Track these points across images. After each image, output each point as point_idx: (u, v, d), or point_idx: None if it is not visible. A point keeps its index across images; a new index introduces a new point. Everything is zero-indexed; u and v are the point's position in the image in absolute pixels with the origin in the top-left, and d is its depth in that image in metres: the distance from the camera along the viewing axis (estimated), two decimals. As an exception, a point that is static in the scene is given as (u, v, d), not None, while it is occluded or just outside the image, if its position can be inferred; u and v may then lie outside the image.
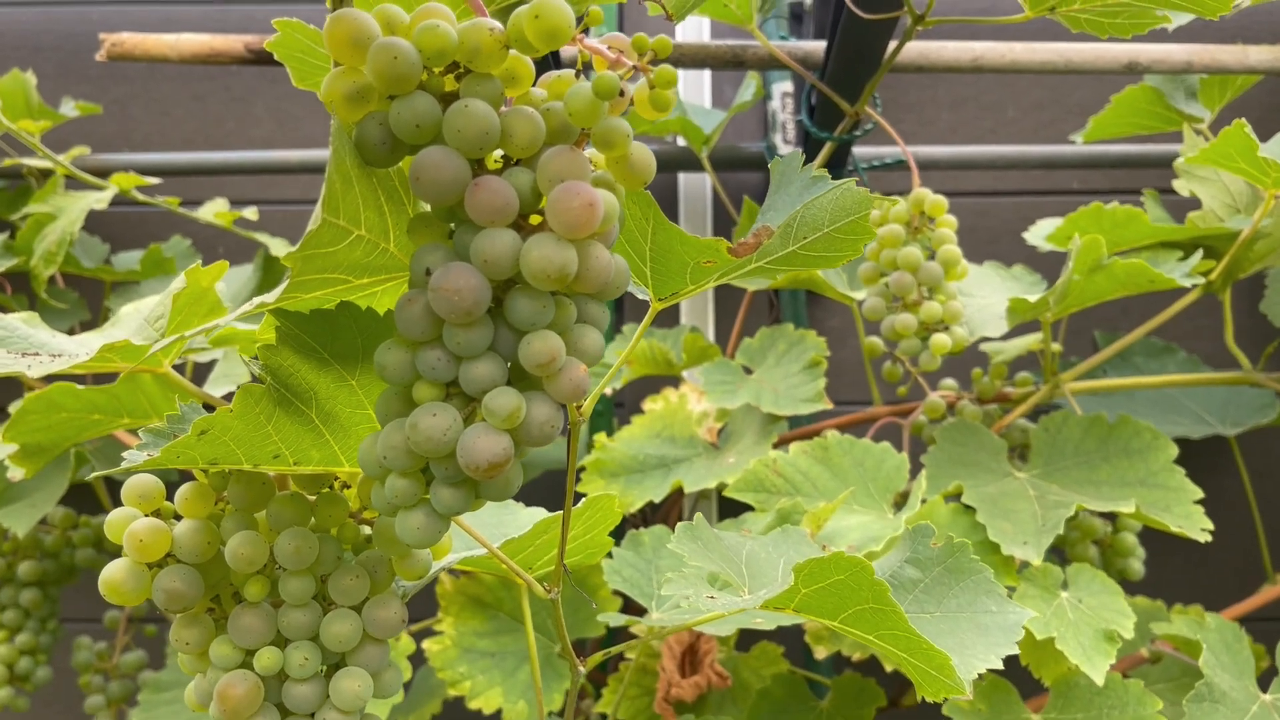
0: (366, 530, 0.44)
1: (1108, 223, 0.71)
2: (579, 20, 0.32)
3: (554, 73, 0.34)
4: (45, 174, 0.90)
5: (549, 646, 0.71)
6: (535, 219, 0.33)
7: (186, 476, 0.41)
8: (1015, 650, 0.44)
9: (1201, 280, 0.68)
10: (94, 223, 0.99)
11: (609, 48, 0.32)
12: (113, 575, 0.40)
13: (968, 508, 0.63)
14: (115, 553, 0.88)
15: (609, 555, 0.65)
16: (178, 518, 0.41)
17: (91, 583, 0.96)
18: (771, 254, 0.41)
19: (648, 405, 0.80)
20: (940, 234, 0.68)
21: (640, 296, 0.42)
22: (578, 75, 0.33)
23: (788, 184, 0.41)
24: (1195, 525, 0.62)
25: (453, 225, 0.33)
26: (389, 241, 0.34)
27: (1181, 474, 0.65)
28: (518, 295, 0.32)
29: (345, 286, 0.35)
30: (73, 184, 0.89)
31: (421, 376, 0.33)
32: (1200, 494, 0.64)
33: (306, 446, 0.38)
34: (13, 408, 0.55)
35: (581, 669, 0.49)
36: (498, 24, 0.31)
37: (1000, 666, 0.44)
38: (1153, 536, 0.98)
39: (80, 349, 0.46)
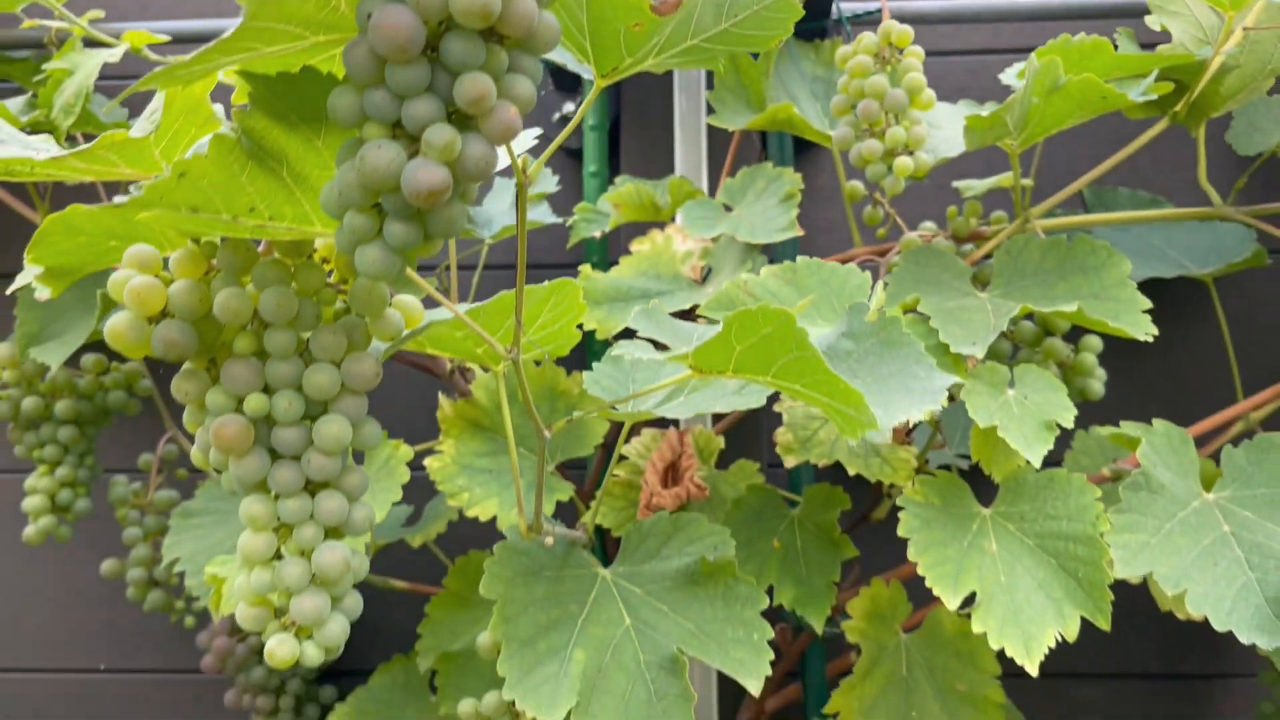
0: (344, 303, 0.49)
1: (1074, 54, 0.73)
2: None
3: None
4: (64, 42, 0.94)
5: (538, 463, 0.76)
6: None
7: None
8: (937, 407, 0.49)
9: (1158, 102, 0.70)
10: (112, 92, 1.03)
11: None
12: (116, 325, 0.45)
13: (924, 318, 0.66)
14: (144, 395, 0.94)
15: (590, 369, 0.69)
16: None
17: (125, 430, 1.03)
18: (705, 31, 0.45)
19: (634, 247, 0.84)
20: (906, 63, 0.71)
21: (586, 76, 0.46)
22: None
23: (718, -38, 0.44)
24: (1139, 328, 0.65)
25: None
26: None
27: (1133, 288, 0.68)
28: (451, 37, 0.36)
29: (301, 44, 0.39)
30: (90, 46, 0.93)
31: (369, 117, 0.37)
32: (1148, 304, 0.67)
33: (280, 203, 0.43)
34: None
35: (547, 433, 0.54)
36: None
37: (922, 418, 0.48)
38: (1134, 390, 1.01)
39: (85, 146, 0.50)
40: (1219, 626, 0.58)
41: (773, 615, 0.65)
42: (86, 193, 0.97)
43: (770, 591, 0.72)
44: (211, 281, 0.45)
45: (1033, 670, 0.59)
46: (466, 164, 0.37)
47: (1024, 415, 0.62)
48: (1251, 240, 0.90)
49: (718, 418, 0.88)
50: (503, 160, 0.44)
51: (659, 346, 0.55)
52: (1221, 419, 0.78)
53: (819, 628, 0.70)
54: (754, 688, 0.56)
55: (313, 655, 0.48)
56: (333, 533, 0.48)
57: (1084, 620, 0.62)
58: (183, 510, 0.86)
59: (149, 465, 0.97)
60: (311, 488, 0.48)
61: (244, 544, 0.47)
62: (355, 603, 0.50)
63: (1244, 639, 0.58)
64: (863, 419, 0.44)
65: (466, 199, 0.39)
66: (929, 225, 0.85)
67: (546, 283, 0.52)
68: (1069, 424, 0.62)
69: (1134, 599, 0.97)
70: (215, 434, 0.45)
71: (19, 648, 1.06)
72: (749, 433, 0.94)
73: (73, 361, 0.92)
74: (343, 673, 1.01)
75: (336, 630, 0.48)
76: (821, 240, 1.00)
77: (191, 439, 0.97)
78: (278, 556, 0.48)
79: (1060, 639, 0.61)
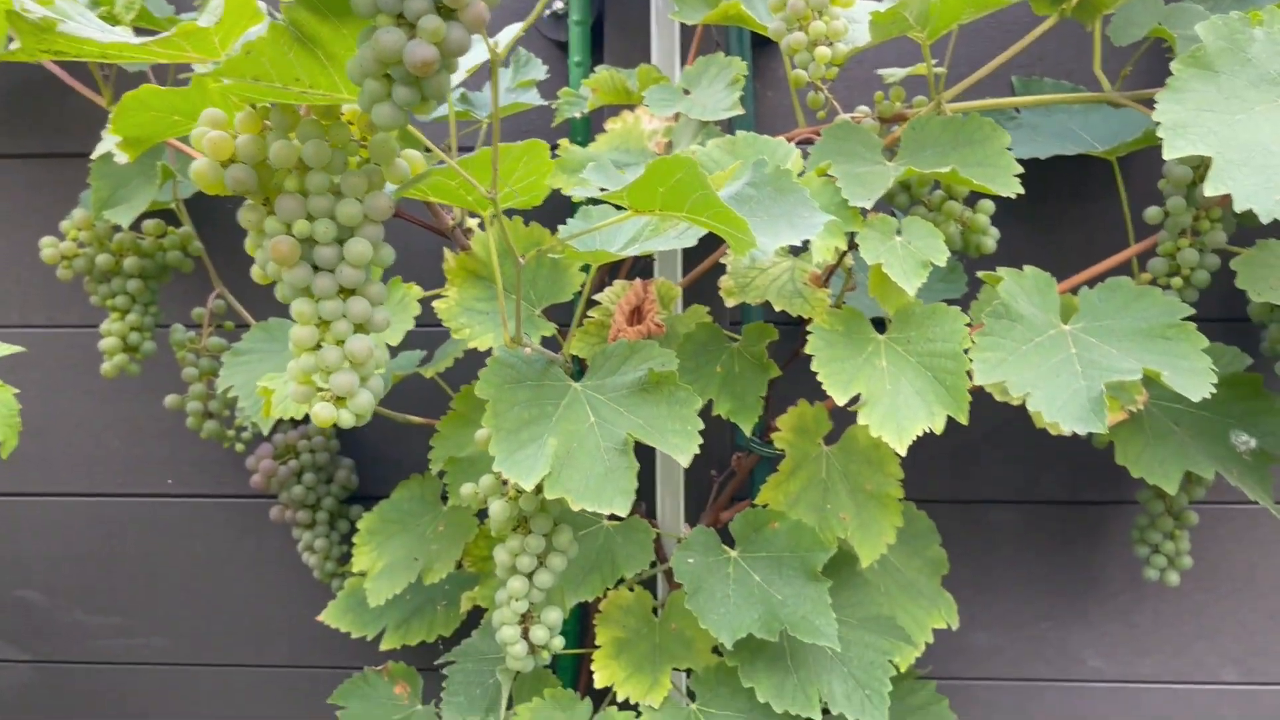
0: (364, 156, 0.65)
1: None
2: None
3: None
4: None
5: (529, 309, 0.92)
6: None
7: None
8: (813, 236, 0.64)
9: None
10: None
11: None
12: (199, 167, 0.61)
13: (834, 180, 0.81)
14: (196, 255, 1.11)
15: (564, 222, 0.85)
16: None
17: (181, 287, 1.19)
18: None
19: (609, 125, 0.98)
20: (831, -34, 0.84)
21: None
22: None
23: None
24: (1009, 188, 0.80)
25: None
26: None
27: (1010, 157, 0.82)
28: (437, -48, 0.51)
29: (332, -44, 0.53)
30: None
31: (380, 10, 0.52)
32: (1021, 170, 0.81)
33: (317, 75, 0.58)
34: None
35: (522, 260, 0.70)
36: None
37: (799, 244, 0.64)
38: (1051, 258, 1.15)
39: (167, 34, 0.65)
40: (1049, 417, 0.75)
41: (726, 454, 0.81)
42: (141, 80, 1.12)
43: (710, 405, 0.89)
44: (267, 136, 0.61)
45: (901, 451, 0.76)
46: (450, 44, 0.52)
47: (905, 256, 0.77)
48: (1147, 122, 1.04)
49: (686, 274, 1.04)
50: (484, 50, 0.59)
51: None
52: (1101, 269, 0.93)
53: (748, 430, 0.88)
54: (684, 460, 0.73)
55: (347, 419, 0.65)
56: (360, 328, 0.65)
57: (1002, 457, 0.78)
58: (233, 350, 1.03)
59: (201, 317, 1.14)
60: (343, 293, 0.64)
61: (294, 334, 0.64)
62: (378, 385, 0.67)
63: (1067, 428, 0.74)
64: (748, 240, 0.60)
65: (450, 69, 0.55)
66: (862, 109, 0.99)
67: (520, 142, 0.67)
68: (942, 263, 0.77)
69: (1044, 438, 1.14)
70: (272, 250, 0.62)
71: (95, 475, 1.25)
72: (709, 290, 1.10)
73: (136, 226, 1.08)
74: (367, 497, 1.19)
75: (364, 401, 0.65)
76: (777, 124, 1.14)
77: (235, 295, 1.14)
78: (319, 346, 0.65)
79: (990, 480, 0.77)
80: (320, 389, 0.66)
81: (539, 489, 0.73)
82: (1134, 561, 1.12)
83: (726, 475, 1.09)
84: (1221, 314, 1.06)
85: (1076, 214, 1.12)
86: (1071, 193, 1.12)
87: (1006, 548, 1.18)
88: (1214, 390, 0.76)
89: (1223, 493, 1.13)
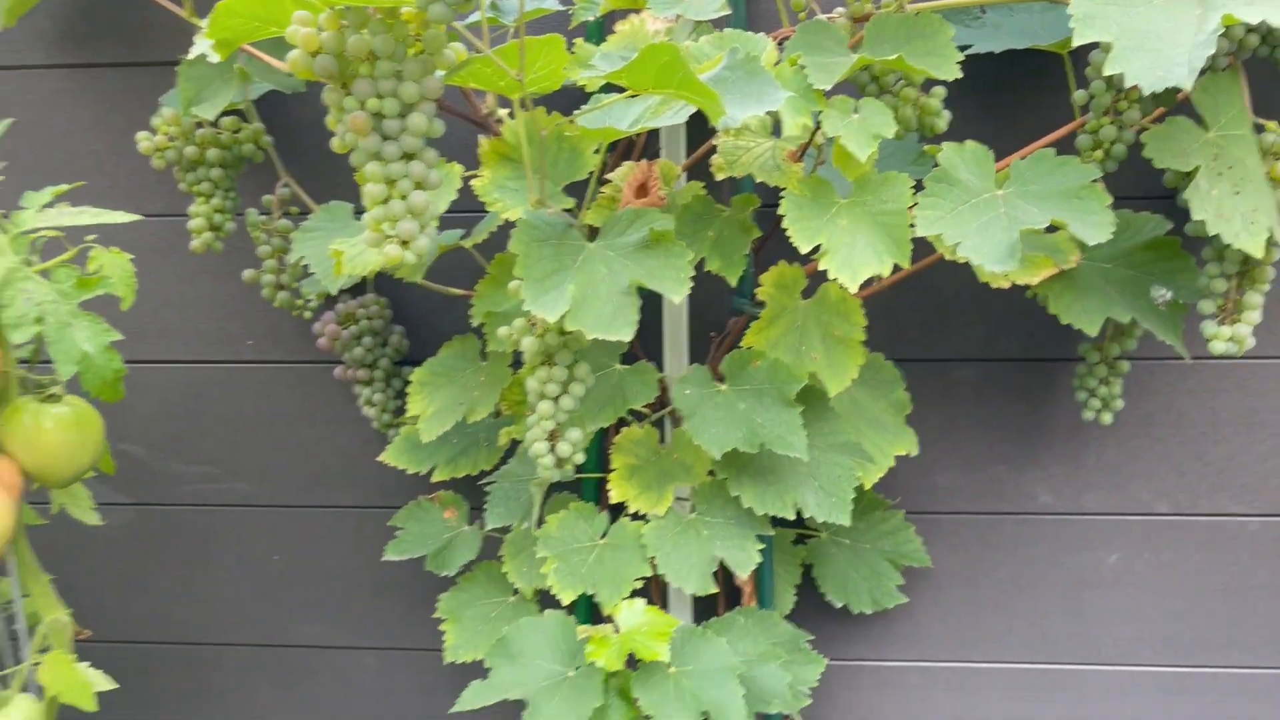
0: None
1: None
2: None
3: None
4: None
5: (551, 187, 1.09)
6: None
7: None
8: (776, 107, 0.81)
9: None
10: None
11: None
12: (294, 57, 0.78)
13: (803, 68, 0.97)
14: (265, 148, 1.29)
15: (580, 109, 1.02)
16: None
17: (255, 176, 1.37)
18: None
19: (617, 27, 1.14)
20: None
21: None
22: None
23: None
24: (949, 72, 0.95)
25: None
26: None
27: (953, 48, 0.97)
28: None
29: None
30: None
31: (434, -70, 0.69)
32: (961, 57, 0.97)
33: (383, -18, 0.75)
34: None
35: (543, 132, 0.87)
36: None
37: (761, 114, 0.81)
38: (1007, 146, 1.29)
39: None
40: (975, 260, 0.92)
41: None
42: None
43: (703, 262, 1.07)
44: (344, 32, 0.78)
45: (853, 289, 0.93)
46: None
47: (860, 129, 0.94)
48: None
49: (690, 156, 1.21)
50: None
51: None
52: (1038, 146, 1.09)
53: (734, 281, 1.05)
54: (675, 297, 0.91)
55: (410, 258, 0.83)
56: (419, 185, 0.83)
57: (965, 322, 0.95)
58: (302, 229, 1.21)
59: (270, 203, 1.32)
60: (405, 157, 0.82)
61: (367, 191, 0.82)
62: (434, 233, 0.85)
63: (988, 267, 0.91)
64: (720, 109, 0.77)
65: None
66: (840, 10, 1.14)
67: (542, 36, 0.84)
68: (889, 135, 0.93)
69: (1003, 305, 1.31)
70: (350, 122, 0.79)
71: (184, 345, 1.45)
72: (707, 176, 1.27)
73: (214, 123, 1.26)
74: (417, 361, 1.37)
75: (423, 244, 0.84)
76: (766, 25, 1.29)
77: (299, 184, 1.32)
78: (387, 200, 0.83)
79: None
80: (389, 236, 0.84)
81: (562, 327, 0.91)
82: (1079, 411, 1.29)
83: (723, 336, 1.27)
84: (1148, 192, 1.21)
85: (1033, 103, 1.27)
86: (1029, 85, 1.27)
87: (968, 400, 1.35)
88: (1113, 235, 0.93)
89: (1158, 349, 1.30)
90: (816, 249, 0.96)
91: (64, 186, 1.09)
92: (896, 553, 1.31)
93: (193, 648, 1.52)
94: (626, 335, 0.91)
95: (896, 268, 0.96)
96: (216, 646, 1.52)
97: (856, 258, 0.95)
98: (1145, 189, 1.22)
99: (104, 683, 1.06)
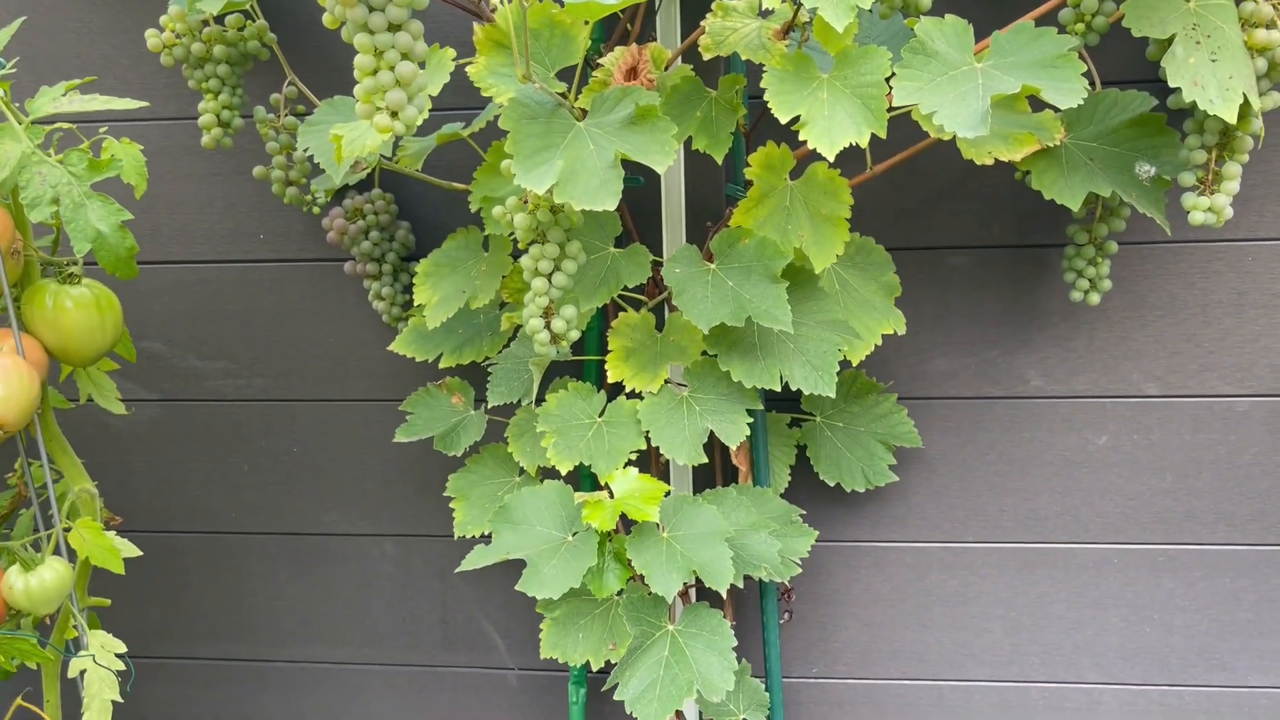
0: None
1: None
2: None
3: None
4: None
5: (544, 72, 1.12)
6: None
7: None
8: (747, -27, 0.83)
9: None
10: None
11: None
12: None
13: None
14: (270, 45, 1.32)
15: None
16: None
17: (262, 77, 1.40)
18: None
19: (608, -87, 1.16)
20: None
21: None
22: None
23: None
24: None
25: None
26: None
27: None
28: None
29: None
30: None
31: None
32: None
33: None
34: None
35: (525, 2, 0.90)
36: None
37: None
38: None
39: None
40: (949, 127, 0.94)
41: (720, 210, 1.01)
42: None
43: (690, 140, 1.10)
44: (329, -96, 0.81)
45: (830, 156, 0.96)
46: None
47: (837, 4, 0.96)
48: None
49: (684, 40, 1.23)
50: None
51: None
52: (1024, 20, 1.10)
53: (719, 158, 1.08)
54: (660, 167, 0.95)
55: (400, 127, 0.87)
56: (405, 56, 0.86)
57: (959, 210, 0.98)
58: (307, 122, 1.25)
59: (277, 101, 1.36)
60: (392, 28, 0.85)
61: (357, 62, 0.85)
62: (422, 103, 0.88)
63: (961, 133, 0.93)
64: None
65: None
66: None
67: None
68: (867, 6, 0.95)
69: (995, 192, 1.33)
70: (338, -7, 0.83)
71: (199, 245, 1.50)
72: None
73: (220, 21, 1.29)
74: (422, 256, 1.42)
75: (412, 113, 0.87)
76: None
77: (303, 82, 1.35)
78: (376, 72, 0.86)
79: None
80: (379, 107, 0.87)
81: (552, 202, 0.95)
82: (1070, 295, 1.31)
83: (719, 224, 1.30)
84: (1136, 76, 1.22)
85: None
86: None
87: (962, 286, 1.38)
88: (1098, 113, 0.95)
89: (1149, 233, 1.32)
90: (796, 119, 0.98)
91: (76, 81, 1.14)
92: (889, 434, 1.35)
93: (219, 536, 1.60)
94: (610, 205, 0.95)
95: (875, 139, 0.99)
96: (241, 535, 1.60)
97: (835, 128, 0.98)
98: (1139, 73, 1.23)
99: (131, 549, 1.12)
